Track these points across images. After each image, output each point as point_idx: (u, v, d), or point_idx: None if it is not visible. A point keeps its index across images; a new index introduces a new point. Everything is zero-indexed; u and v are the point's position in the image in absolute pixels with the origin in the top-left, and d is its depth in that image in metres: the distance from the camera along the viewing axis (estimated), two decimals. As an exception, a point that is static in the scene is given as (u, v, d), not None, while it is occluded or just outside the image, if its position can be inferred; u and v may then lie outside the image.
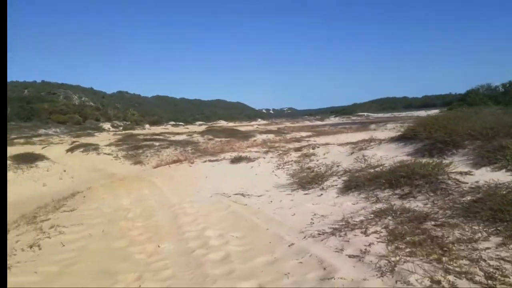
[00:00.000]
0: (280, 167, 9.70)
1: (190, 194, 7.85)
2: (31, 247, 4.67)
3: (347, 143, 11.27)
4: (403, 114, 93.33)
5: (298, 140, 20.60)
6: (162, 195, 8.05)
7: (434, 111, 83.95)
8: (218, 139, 26.94)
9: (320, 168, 8.48)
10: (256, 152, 14.24)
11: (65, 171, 14.79)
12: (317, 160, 9.63)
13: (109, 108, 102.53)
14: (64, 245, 4.74)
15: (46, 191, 11.75)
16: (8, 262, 3.84)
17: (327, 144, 12.26)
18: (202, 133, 32.17)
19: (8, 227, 6.51)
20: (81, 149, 21.15)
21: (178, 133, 36.78)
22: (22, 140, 39.75)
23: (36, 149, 25.19)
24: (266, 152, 12.71)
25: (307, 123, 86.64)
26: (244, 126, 59.08)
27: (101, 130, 62.65)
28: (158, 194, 8.32)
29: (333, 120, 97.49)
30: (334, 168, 8.00)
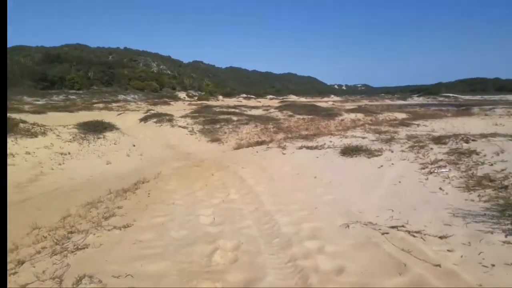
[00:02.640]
0: (429, 170, 6.44)
1: (305, 211, 4.94)
2: None
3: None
4: (496, 97, 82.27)
5: (404, 123, 16.79)
6: (260, 207, 5.22)
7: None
8: (300, 116, 23.84)
9: (517, 185, 5.10)
10: (363, 137, 11.02)
11: (134, 145, 12.73)
12: (491, 164, 6.22)
13: (185, 77, 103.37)
14: None
15: (108, 172, 9.62)
16: None
17: (483, 136, 8.58)
18: (279, 108, 29.23)
19: (31, 249, 4.15)
20: (155, 120, 19.29)
21: (254, 107, 34.25)
22: (101, 105, 40.11)
23: (112, 115, 24.19)
24: (388, 142, 9.40)
25: (388, 101, 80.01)
26: (318, 102, 55.00)
27: (176, 98, 62.49)
28: (253, 203, 5.51)
29: (416, 100, 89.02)
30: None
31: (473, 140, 7.99)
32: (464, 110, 33.80)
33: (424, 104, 59.67)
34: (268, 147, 10.76)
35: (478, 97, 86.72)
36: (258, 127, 17.86)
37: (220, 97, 77.04)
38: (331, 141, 10.68)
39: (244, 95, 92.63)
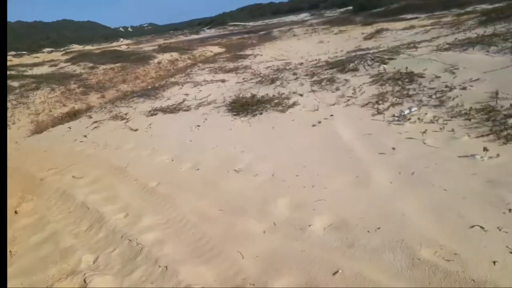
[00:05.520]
0: (392, 114, 4.21)
1: None
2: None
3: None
4: (275, 20, 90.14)
5: (239, 56, 14.57)
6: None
7: (304, 15, 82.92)
8: (105, 66, 18.99)
9: None
10: (222, 81, 8.33)
11: None
12: (463, 88, 4.45)
13: None
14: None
15: None
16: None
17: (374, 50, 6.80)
18: (72, 61, 23.07)
19: None
20: None
21: (34, 64, 26.21)
22: None
23: None
24: (273, 82, 6.80)
25: (183, 37, 77.59)
26: (110, 48, 48.20)
27: None
28: None
29: (209, 32, 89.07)
30: None
31: (389, 59, 6.15)
32: (265, 35, 34.04)
33: (222, 35, 59.51)
34: (96, 121, 6.81)
35: (260, 22, 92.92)
36: (56, 90, 12.70)
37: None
38: (187, 94, 7.49)
39: (13, 53, 74.85)
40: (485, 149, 3.02)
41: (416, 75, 5.15)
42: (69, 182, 4.24)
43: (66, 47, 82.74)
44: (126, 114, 6.77)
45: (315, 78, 6.35)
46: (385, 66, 5.89)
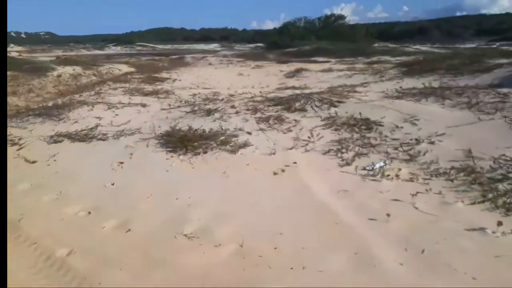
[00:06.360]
0: (363, 166, 3.71)
1: None
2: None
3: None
4: (185, 46, 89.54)
5: (156, 78, 13.38)
6: None
7: (214, 45, 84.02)
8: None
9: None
10: (142, 105, 7.30)
11: None
12: (431, 142, 4.22)
13: None
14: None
15: None
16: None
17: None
18: None
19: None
20: None
21: None
22: None
23: None
24: (210, 114, 5.95)
25: (85, 52, 72.40)
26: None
27: None
28: None
29: (114, 49, 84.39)
30: None
31: (338, 102, 5.77)
32: (178, 59, 33.01)
33: (129, 54, 56.54)
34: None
35: (170, 46, 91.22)
36: None
37: None
38: (100, 118, 6.23)
39: None
40: (499, 223, 2.58)
41: (374, 123, 4.81)
42: None
43: None
44: (19, 138, 5.26)
45: (259, 114, 5.69)
46: (336, 109, 5.50)
